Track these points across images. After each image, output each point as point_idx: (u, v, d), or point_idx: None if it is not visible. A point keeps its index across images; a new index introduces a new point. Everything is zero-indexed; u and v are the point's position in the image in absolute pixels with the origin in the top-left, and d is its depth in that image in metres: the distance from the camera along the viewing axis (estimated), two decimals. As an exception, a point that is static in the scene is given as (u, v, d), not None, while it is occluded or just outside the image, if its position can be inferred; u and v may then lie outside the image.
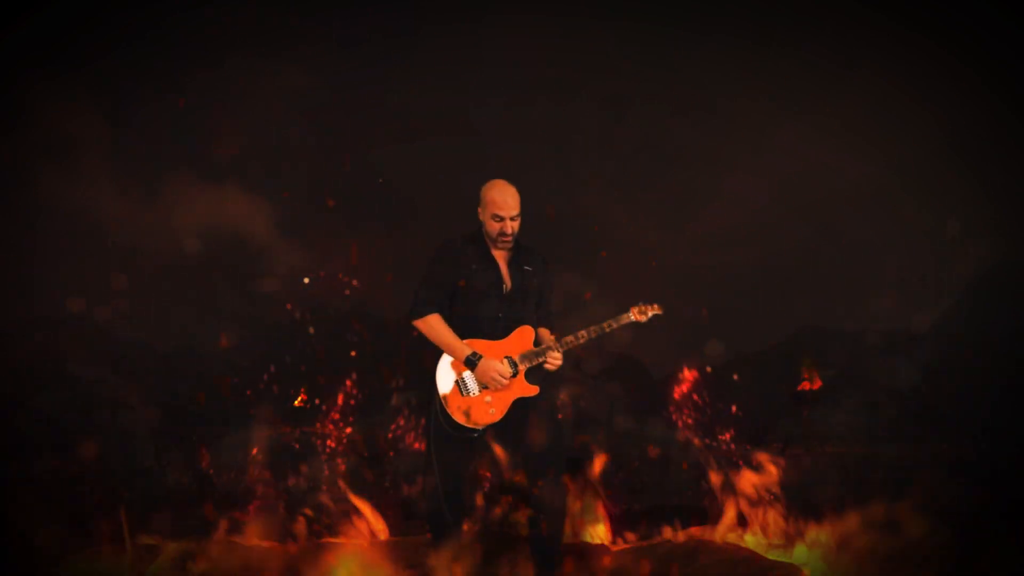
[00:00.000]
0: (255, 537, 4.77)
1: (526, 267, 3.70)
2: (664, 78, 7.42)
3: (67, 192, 6.06)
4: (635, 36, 7.25)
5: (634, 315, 3.67)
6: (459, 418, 3.44)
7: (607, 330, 3.61)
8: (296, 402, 7.41)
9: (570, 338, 3.58)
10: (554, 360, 3.56)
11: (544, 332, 3.74)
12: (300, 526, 4.97)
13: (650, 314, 3.71)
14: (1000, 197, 7.15)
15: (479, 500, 5.15)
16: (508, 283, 3.62)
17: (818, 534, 4.58)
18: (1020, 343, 6.85)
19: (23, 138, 6.03)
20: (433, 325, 3.52)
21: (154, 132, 7.10)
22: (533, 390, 3.54)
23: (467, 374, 3.47)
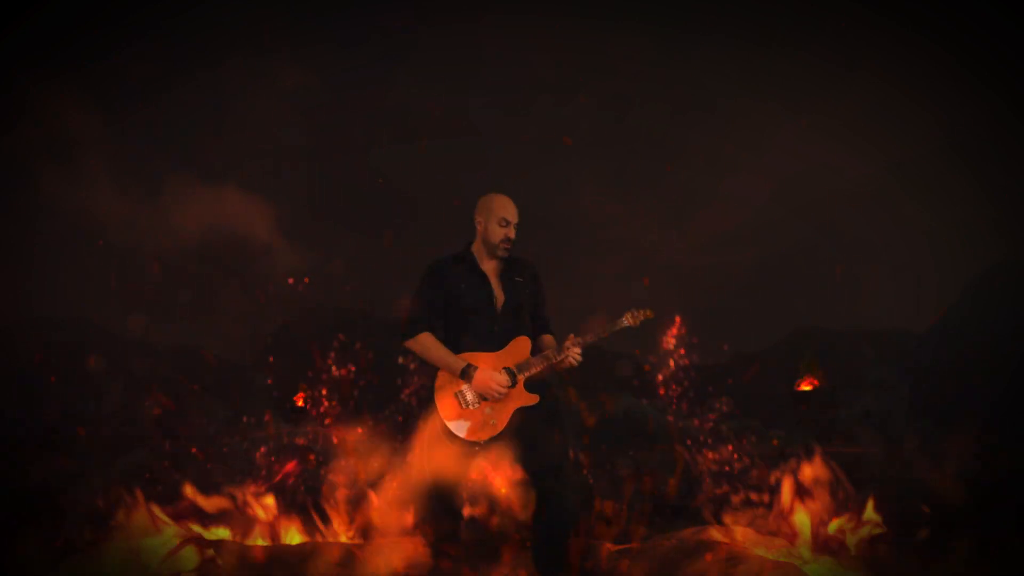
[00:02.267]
0: (255, 536, 4.78)
1: (517, 278, 3.74)
2: (664, 78, 7.42)
3: (67, 192, 6.06)
4: (635, 36, 7.25)
5: (628, 320, 3.71)
6: (460, 432, 3.45)
7: (603, 335, 3.65)
8: (297, 401, 7.42)
9: (583, 336, 3.60)
10: (575, 356, 3.58)
11: (548, 338, 3.77)
12: (300, 525, 4.98)
13: (642, 318, 3.75)
14: (1000, 197, 7.15)
15: (478, 505, 5.16)
16: (500, 298, 3.65)
17: (816, 532, 4.59)
18: (1020, 343, 6.85)
19: (23, 138, 6.03)
20: (425, 344, 3.54)
21: (154, 132, 7.11)
22: (533, 399, 3.55)
23: (466, 387, 3.48)
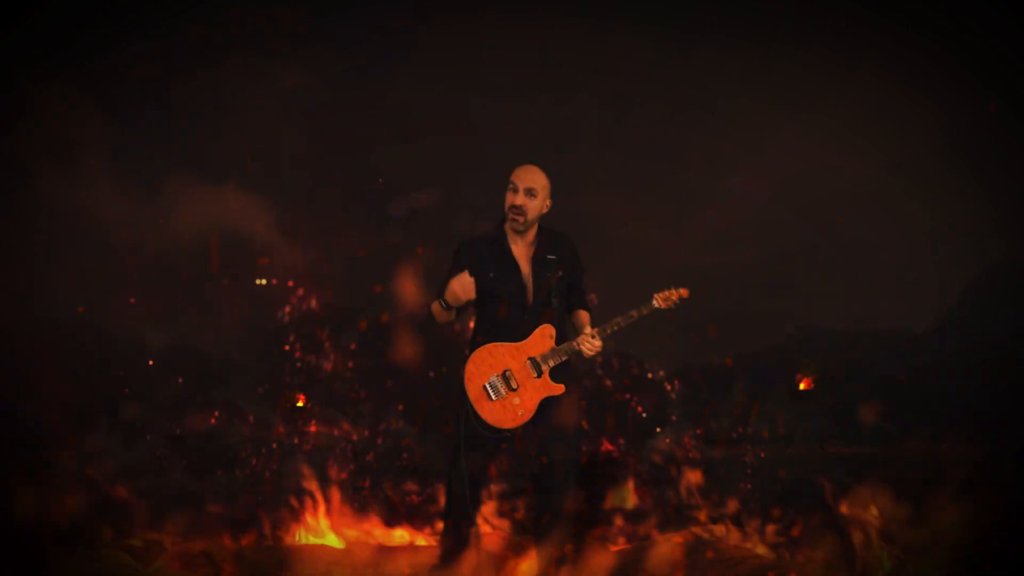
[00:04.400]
0: (255, 536, 4.78)
1: (549, 256, 3.69)
2: (664, 78, 7.41)
3: (67, 192, 6.06)
4: (635, 36, 7.25)
5: (658, 302, 3.67)
6: (490, 421, 3.48)
7: (634, 318, 3.62)
8: (297, 402, 7.41)
9: (604, 327, 3.59)
10: (592, 347, 3.56)
11: (583, 316, 3.75)
12: (299, 525, 4.98)
13: (675, 299, 3.70)
14: (1000, 197, 7.14)
15: (488, 498, 5.16)
16: (531, 291, 3.62)
17: (815, 531, 4.59)
18: (1020, 343, 6.85)
19: (23, 138, 6.02)
20: (433, 310, 3.62)
21: (154, 132, 7.11)
22: (559, 389, 3.56)
23: (495, 378, 3.50)
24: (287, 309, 7.10)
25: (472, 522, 3.65)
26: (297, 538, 4.86)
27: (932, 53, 6.86)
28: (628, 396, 7.36)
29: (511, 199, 3.54)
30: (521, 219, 3.55)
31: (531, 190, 3.53)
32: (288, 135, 7.04)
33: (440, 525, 3.70)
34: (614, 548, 4.69)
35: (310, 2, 7.13)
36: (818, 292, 7.68)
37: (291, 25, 6.99)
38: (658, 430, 6.93)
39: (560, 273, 3.64)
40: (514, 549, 4.45)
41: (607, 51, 7.30)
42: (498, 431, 3.48)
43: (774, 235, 7.51)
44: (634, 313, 3.57)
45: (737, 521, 5.02)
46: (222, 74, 6.88)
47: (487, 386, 3.48)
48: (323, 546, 4.71)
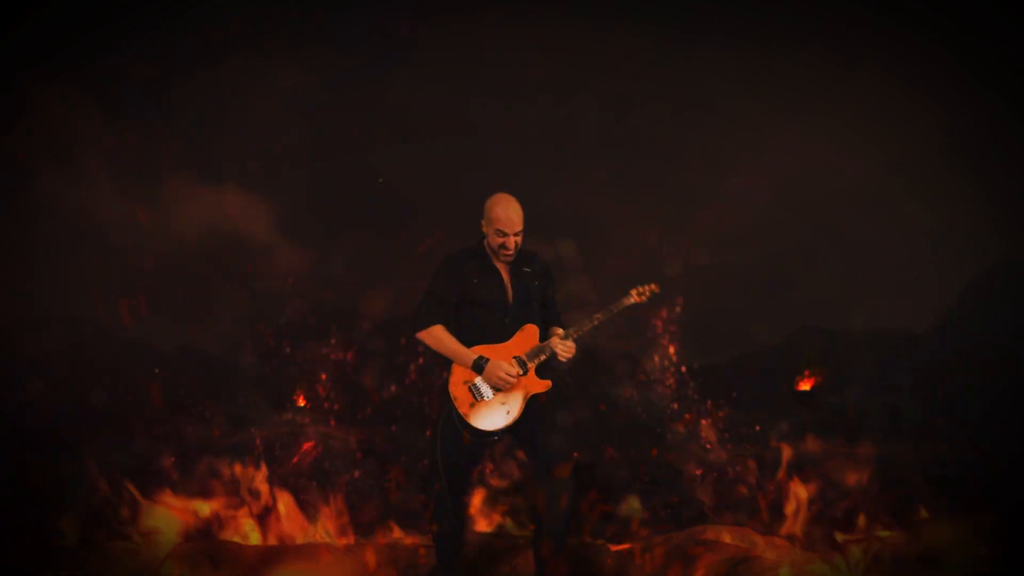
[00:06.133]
0: (254, 536, 4.78)
1: (525, 268, 3.73)
2: (664, 78, 7.42)
3: (67, 192, 6.07)
4: (635, 36, 7.25)
5: (634, 297, 3.71)
6: (476, 422, 3.46)
7: (612, 313, 3.65)
8: (298, 401, 7.42)
9: (576, 327, 3.60)
10: (566, 350, 3.58)
11: (556, 331, 3.77)
12: (299, 524, 4.98)
13: (648, 293, 3.74)
14: (1000, 197, 7.15)
15: (484, 500, 5.15)
16: (511, 294, 3.66)
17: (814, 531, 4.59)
18: (1020, 343, 6.85)
19: (23, 138, 6.03)
20: (437, 335, 3.55)
21: (154, 132, 7.11)
22: (545, 384, 3.57)
23: (479, 379, 3.50)
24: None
25: (462, 524, 3.64)
26: (296, 538, 4.86)
27: (932, 53, 6.87)
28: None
29: (502, 241, 3.55)
30: (512, 255, 3.61)
31: (519, 231, 3.59)
32: (288, 135, 7.05)
33: (435, 527, 3.68)
34: (614, 548, 4.68)
35: (310, 2, 7.14)
36: (818, 292, 7.69)
37: (291, 25, 6.99)
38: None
39: (536, 283, 3.70)
40: (512, 549, 4.45)
41: (607, 51, 7.30)
42: (486, 434, 3.42)
43: (774, 235, 7.53)
44: (611, 309, 3.59)
45: (737, 521, 5.03)
46: (222, 74, 6.89)
47: (472, 388, 3.44)
48: (322, 545, 4.71)
